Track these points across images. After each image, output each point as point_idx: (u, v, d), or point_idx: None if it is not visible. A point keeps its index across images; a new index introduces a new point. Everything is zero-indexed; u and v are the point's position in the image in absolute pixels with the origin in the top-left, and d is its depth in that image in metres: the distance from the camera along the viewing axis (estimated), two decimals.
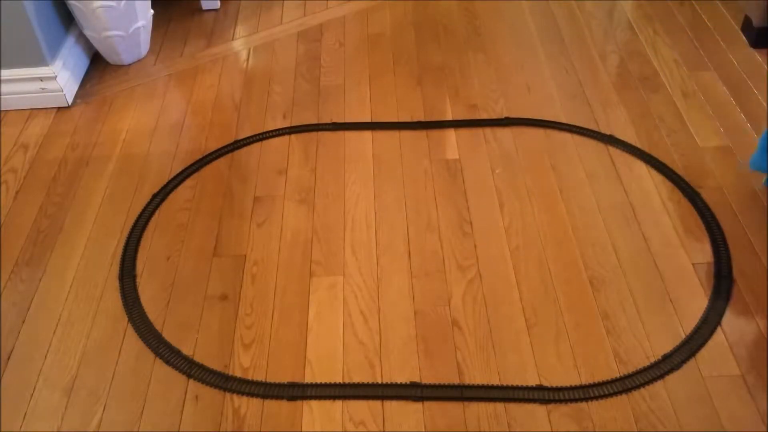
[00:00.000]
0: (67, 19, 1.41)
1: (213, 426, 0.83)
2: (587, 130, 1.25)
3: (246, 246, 1.06)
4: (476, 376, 0.87)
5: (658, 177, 1.15)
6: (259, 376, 0.88)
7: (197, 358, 0.91)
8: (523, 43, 1.48)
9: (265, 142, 1.27)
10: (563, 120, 1.28)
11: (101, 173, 1.22)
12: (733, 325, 0.91)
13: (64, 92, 1.36)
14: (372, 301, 0.97)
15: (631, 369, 0.87)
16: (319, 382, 0.87)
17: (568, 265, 1.00)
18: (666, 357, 0.88)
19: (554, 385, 0.85)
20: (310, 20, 1.58)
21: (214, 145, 1.27)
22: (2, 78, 1.33)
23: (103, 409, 0.85)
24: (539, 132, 1.26)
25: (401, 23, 1.56)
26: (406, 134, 1.27)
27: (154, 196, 1.17)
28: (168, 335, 0.93)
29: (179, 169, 1.22)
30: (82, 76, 1.44)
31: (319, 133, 1.28)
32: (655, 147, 1.21)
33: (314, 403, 0.85)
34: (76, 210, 1.15)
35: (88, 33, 1.41)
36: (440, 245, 1.05)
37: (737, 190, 1.11)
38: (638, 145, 1.22)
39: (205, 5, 1.63)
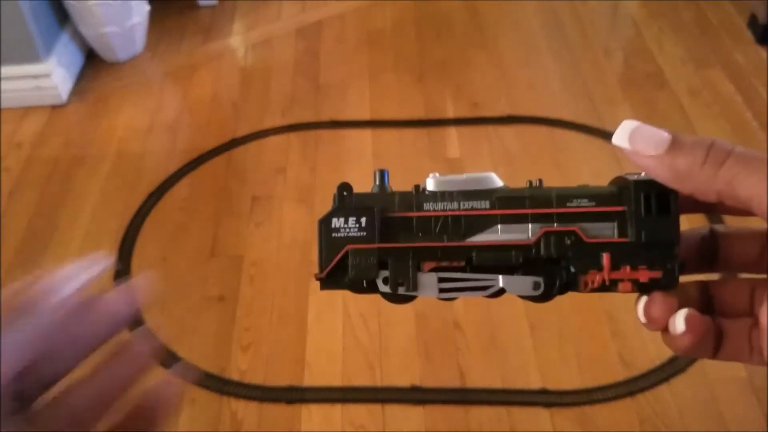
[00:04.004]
0: (62, 16, 1.39)
1: (210, 430, 0.82)
2: (591, 128, 1.23)
3: (244, 246, 1.05)
4: (478, 380, 0.85)
5: None
6: (256, 379, 0.87)
7: (193, 361, 0.89)
8: (526, 39, 1.46)
9: (263, 141, 1.25)
10: (567, 118, 1.26)
11: (96, 172, 1.20)
12: None
13: (59, 90, 1.34)
14: (372, 302, 0.95)
15: (636, 372, 0.85)
16: (318, 385, 0.86)
17: None
18: (671, 360, 0.86)
19: (558, 388, 0.84)
20: (309, 16, 1.56)
21: (211, 144, 1.25)
22: None
23: None
24: (543, 130, 1.24)
25: (402, 19, 1.54)
26: (407, 132, 1.25)
27: (150, 195, 1.15)
28: (164, 337, 0.92)
29: (175, 168, 1.20)
30: (77, 74, 1.41)
31: (319, 131, 1.26)
32: None
33: (313, 407, 0.83)
34: (71, 210, 1.13)
35: (83, 29, 1.39)
36: None
37: None
38: None
39: (201, 1, 1.60)
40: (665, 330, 0.20)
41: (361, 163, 1.19)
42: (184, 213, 1.12)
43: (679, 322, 0.19)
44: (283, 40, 1.49)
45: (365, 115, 1.29)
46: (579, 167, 1.16)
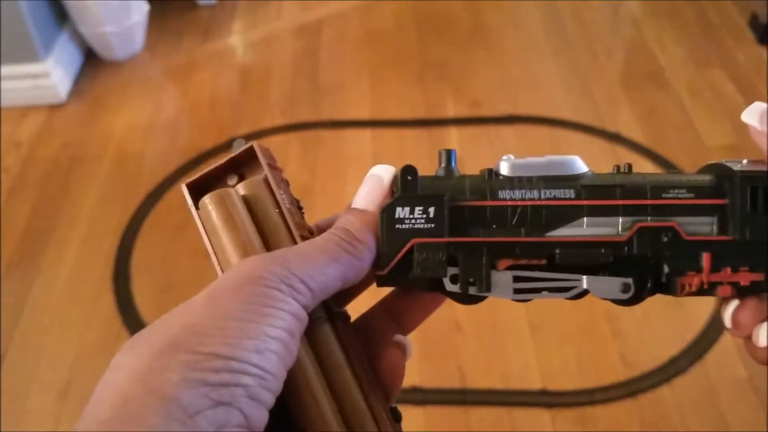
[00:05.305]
0: (61, 15, 1.39)
1: None
2: (593, 128, 1.23)
3: None
4: (478, 380, 0.85)
5: None
6: None
7: None
8: (527, 39, 1.46)
9: (262, 140, 1.25)
10: (568, 118, 1.26)
11: (95, 172, 1.20)
12: None
13: (58, 89, 1.33)
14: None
15: (636, 372, 0.85)
16: None
17: None
18: (672, 360, 0.86)
19: (558, 388, 0.83)
20: (308, 15, 1.56)
21: (210, 144, 1.24)
22: None
23: None
24: (544, 130, 1.24)
25: (402, 18, 1.53)
26: (407, 132, 1.24)
27: (149, 195, 1.15)
28: None
29: (175, 168, 1.19)
30: (75, 73, 1.41)
31: (318, 131, 1.26)
32: (662, 145, 1.19)
33: None
34: (70, 210, 1.13)
35: (82, 29, 1.39)
36: None
37: None
38: (644, 143, 1.19)
39: (201, 1, 1.60)
40: (749, 338, 0.19)
41: (361, 163, 1.18)
42: (183, 213, 1.11)
43: (762, 335, 0.18)
44: (282, 40, 1.49)
45: (365, 114, 1.29)
46: None
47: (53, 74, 1.32)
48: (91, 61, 1.45)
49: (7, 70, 1.30)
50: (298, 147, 1.23)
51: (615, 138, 1.21)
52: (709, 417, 0.80)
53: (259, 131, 1.27)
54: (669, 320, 0.91)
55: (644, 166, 1.15)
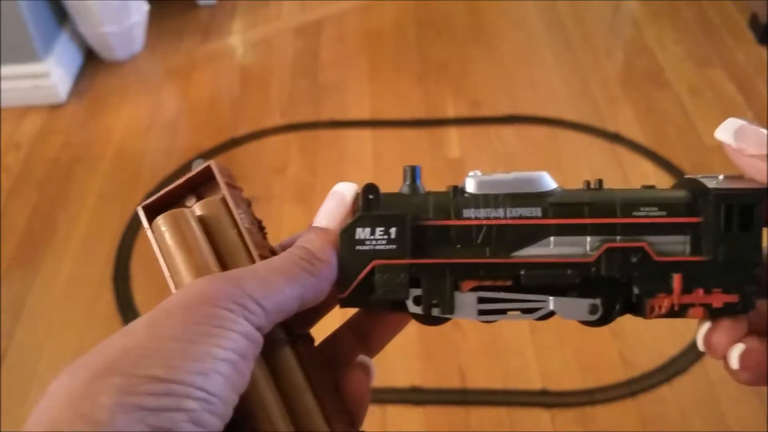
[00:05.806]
0: (61, 15, 1.39)
1: None
2: (593, 127, 1.23)
3: None
4: (478, 380, 0.85)
5: (665, 176, 1.13)
6: None
7: None
8: (527, 39, 1.46)
9: (262, 141, 1.25)
10: (568, 117, 1.26)
11: (95, 172, 1.20)
12: None
13: (58, 89, 1.33)
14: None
15: (637, 372, 0.85)
16: None
17: None
18: (673, 360, 0.86)
19: (558, 388, 0.83)
20: (308, 15, 1.56)
21: (210, 143, 1.24)
22: None
23: None
24: (544, 130, 1.24)
25: (402, 18, 1.53)
26: (407, 132, 1.24)
27: (149, 195, 1.14)
28: None
29: (174, 168, 1.20)
30: (75, 73, 1.41)
31: (318, 131, 1.26)
32: (662, 145, 1.19)
33: None
34: (70, 210, 1.13)
35: (82, 29, 1.39)
36: None
37: None
38: (644, 143, 1.20)
39: (201, 1, 1.60)
40: (725, 359, 0.19)
41: (361, 163, 1.18)
42: None
43: (733, 358, 0.18)
44: (282, 40, 1.49)
45: (365, 114, 1.29)
46: (580, 167, 1.16)
47: (53, 74, 1.32)
48: (91, 61, 1.45)
49: (7, 70, 1.30)
50: (298, 147, 1.23)
51: (615, 138, 1.21)
52: (709, 417, 0.80)
53: (259, 131, 1.27)
54: (669, 320, 0.90)
55: (644, 166, 1.16)
